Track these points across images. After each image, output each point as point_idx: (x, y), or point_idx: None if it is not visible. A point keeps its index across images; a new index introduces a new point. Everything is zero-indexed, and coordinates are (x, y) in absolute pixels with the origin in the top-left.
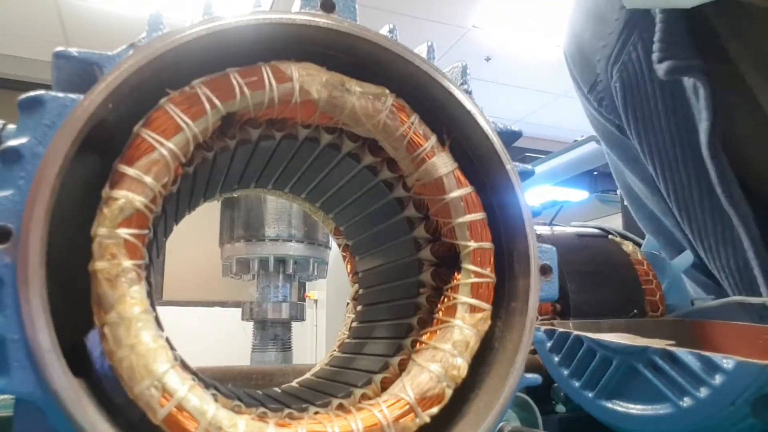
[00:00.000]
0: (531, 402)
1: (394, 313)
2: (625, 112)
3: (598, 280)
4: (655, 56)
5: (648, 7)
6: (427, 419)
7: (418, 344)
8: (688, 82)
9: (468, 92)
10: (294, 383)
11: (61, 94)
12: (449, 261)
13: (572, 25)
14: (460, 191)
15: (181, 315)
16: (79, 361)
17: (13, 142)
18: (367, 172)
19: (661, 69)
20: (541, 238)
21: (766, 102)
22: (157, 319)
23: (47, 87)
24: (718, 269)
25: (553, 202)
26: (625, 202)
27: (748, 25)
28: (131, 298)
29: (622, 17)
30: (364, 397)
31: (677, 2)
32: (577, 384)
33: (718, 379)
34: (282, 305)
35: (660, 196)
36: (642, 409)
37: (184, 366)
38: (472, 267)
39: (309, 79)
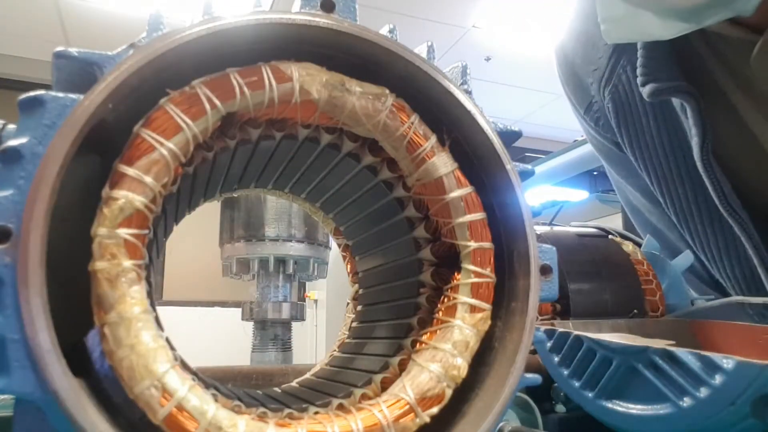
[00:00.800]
0: (531, 402)
1: (394, 313)
2: (619, 131)
3: (598, 280)
4: (638, 80)
5: (628, 41)
6: (427, 419)
7: (418, 344)
8: (675, 101)
9: (468, 92)
10: (294, 383)
11: (61, 94)
12: (449, 261)
13: (564, 50)
14: (460, 191)
15: (181, 315)
16: (79, 361)
17: (13, 142)
18: (367, 172)
19: (645, 91)
20: (541, 238)
21: (751, 121)
22: (157, 319)
23: (47, 87)
24: (725, 278)
25: (553, 202)
26: (629, 217)
27: (729, 51)
28: (131, 298)
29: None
30: (364, 397)
31: (655, 34)
32: (577, 384)
33: (718, 379)
34: (282, 305)
35: (662, 210)
36: (642, 409)
37: (184, 366)
38: (472, 267)
39: (309, 79)
